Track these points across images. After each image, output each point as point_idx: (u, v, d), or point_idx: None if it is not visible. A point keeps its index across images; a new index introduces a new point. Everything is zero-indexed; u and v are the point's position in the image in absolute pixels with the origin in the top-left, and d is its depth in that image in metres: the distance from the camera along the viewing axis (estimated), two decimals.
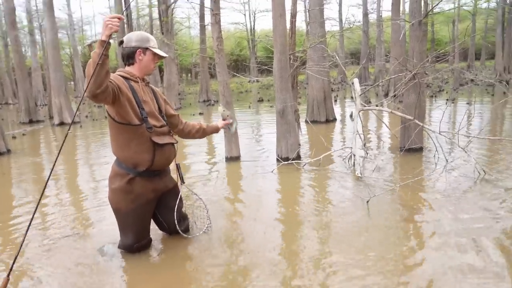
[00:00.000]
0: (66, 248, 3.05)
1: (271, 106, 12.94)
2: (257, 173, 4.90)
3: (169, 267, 2.71)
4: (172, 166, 2.98)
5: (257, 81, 27.60)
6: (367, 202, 3.66)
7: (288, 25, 5.60)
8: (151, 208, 2.88)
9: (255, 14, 34.48)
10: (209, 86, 18.23)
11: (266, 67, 6.89)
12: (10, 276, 2.22)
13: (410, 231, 3.06)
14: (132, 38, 2.71)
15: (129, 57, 2.72)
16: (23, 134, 10.04)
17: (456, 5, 24.15)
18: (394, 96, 8.53)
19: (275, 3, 4.83)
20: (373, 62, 23.28)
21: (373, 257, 2.63)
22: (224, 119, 3.17)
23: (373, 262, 2.57)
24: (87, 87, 2.26)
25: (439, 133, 4.68)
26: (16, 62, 12.52)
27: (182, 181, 3.06)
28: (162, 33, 13.44)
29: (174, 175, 3.04)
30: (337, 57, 5.66)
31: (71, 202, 4.26)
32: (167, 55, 2.79)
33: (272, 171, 4.93)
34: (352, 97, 14.11)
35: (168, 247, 2.98)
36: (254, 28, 33.73)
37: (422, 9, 5.59)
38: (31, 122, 12.67)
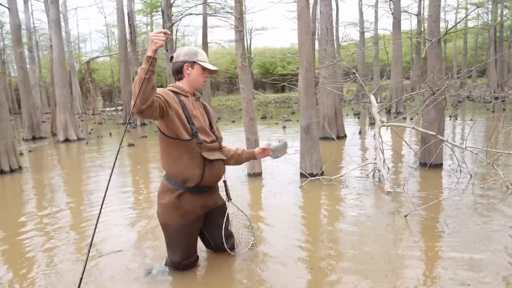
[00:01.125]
0: (114, 264, 2.99)
1: (276, 123, 12.99)
2: (284, 189, 4.89)
3: (216, 284, 2.67)
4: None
5: (254, 98, 27.78)
6: (405, 216, 3.66)
7: None
8: (200, 224, 2.85)
9: (251, 32, 34.81)
10: (210, 102, 18.28)
11: (285, 83, 6.94)
12: None
13: (456, 244, 3.06)
14: (181, 53, 2.71)
15: (178, 72, 2.72)
16: (30, 151, 9.93)
17: (477, 23, 24.80)
18: (409, 115, 8.58)
19: (302, 22, 4.90)
20: (370, 80, 23.57)
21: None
22: (272, 150, 2.94)
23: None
24: (134, 103, 2.24)
25: (465, 149, 4.74)
26: (20, 79, 12.45)
27: (229, 198, 3.03)
28: (167, 50, 13.51)
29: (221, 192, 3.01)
30: (357, 74, 5.73)
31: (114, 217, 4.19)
32: (216, 69, 2.79)
33: (299, 187, 4.92)
34: (354, 114, 14.33)
35: (213, 264, 2.94)
36: (250, 46, 34.06)
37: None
38: (34, 138, 12.55)
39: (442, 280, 2.54)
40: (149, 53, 2.25)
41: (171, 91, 2.64)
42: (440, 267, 2.71)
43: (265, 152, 2.98)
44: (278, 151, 2.95)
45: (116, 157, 2.46)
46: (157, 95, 2.38)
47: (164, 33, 2.26)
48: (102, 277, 2.84)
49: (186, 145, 2.59)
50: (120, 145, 2.51)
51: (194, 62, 2.69)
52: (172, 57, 2.76)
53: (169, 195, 2.68)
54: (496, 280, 2.49)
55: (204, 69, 2.72)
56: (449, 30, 5.55)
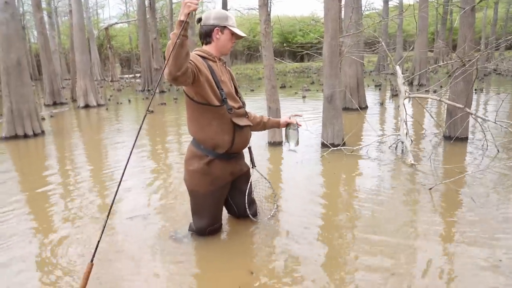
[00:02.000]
0: (137, 227, 3.04)
1: (295, 93, 12.82)
2: (305, 158, 4.85)
3: (238, 252, 2.69)
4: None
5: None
6: (430, 189, 3.60)
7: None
8: (226, 191, 2.85)
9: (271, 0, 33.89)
10: None
11: (308, 51, 6.75)
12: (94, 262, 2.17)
13: (477, 218, 3.00)
14: (210, 16, 2.62)
15: (206, 36, 2.64)
16: (51, 116, 10.08)
17: None
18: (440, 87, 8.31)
19: None
20: (393, 51, 22.90)
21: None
22: (286, 135, 3.03)
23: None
24: (169, 70, 2.18)
25: (495, 122, 4.58)
26: (41, 44, 12.47)
27: (253, 165, 3.02)
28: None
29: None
30: (383, 44, 5.54)
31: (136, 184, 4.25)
32: (245, 35, 2.71)
33: (321, 157, 4.88)
34: (375, 85, 14.01)
35: (236, 230, 2.96)
36: (269, 14, 33.27)
37: None
38: (55, 104, 12.71)
39: (460, 257, 2.50)
40: (181, 17, 2.15)
41: (199, 55, 2.58)
42: (460, 243, 2.67)
43: (290, 123, 3.01)
44: (293, 137, 2.98)
45: (142, 122, 2.44)
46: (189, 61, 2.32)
47: None
48: (125, 240, 2.89)
49: (216, 111, 2.55)
50: (148, 110, 2.47)
51: (225, 27, 2.61)
52: (200, 19, 2.67)
53: (197, 161, 2.66)
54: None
55: (233, 34, 2.65)
56: None
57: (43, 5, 21.14)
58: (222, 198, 2.86)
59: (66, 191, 4.06)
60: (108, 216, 2.21)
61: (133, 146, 2.32)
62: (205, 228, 2.81)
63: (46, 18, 19.75)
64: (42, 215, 3.46)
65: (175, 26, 2.20)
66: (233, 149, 2.69)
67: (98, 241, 2.17)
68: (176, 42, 2.11)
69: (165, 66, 2.18)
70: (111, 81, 23.72)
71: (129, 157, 2.30)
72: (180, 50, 2.14)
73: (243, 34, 2.68)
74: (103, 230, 2.20)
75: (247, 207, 2.93)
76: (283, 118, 3.07)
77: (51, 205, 3.69)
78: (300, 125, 3.03)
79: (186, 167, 2.74)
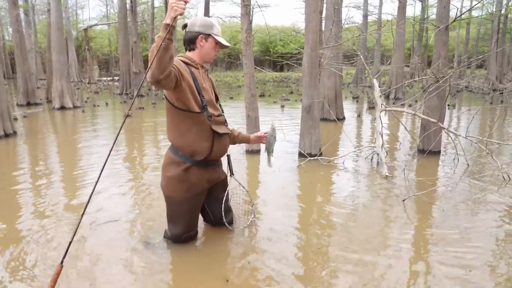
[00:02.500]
0: (110, 233, 2.99)
1: (274, 102, 12.91)
2: (282, 168, 4.88)
3: (213, 259, 2.68)
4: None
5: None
6: (403, 201, 3.69)
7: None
8: (203, 198, 2.84)
9: (253, 8, 34.20)
10: None
11: (288, 61, 6.85)
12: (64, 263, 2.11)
13: (451, 235, 3.10)
14: (196, 23, 2.63)
15: (190, 42, 2.65)
16: (24, 116, 9.79)
17: (484, 13, 24.62)
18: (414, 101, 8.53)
19: None
20: (370, 64, 23.42)
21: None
22: (265, 133, 2.98)
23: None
24: (151, 72, 2.18)
25: (465, 137, 4.75)
26: (16, 42, 12.12)
27: (232, 173, 3.02)
28: None
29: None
30: (361, 57, 5.67)
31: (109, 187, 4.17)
32: (229, 45, 2.72)
33: (298, 166, 4.93)
34: (353, 97, 14.27)
35: (211, 238, 2.95)
36: (251, 23, 33.53)
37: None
38: (28, 104, 12.36)
39: (435, 265, 2.57)
40: (167, 21, 2.15)
41: (182, 61, 2.58)
42: (434, 252, 2.74)
43: (260, 139, 3.03)
44: (270, 140, 2.92)
45: (122, 125, 2.40)
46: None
47: (185, 1, 2.15)
48: (98, 245, 2.83)
49: (196, 118, 2.55)
50: (129, 111, 2.44)
51: (209, 35, 2.62)
52: (185, 25, 2.67)
53: (175, 167, 2.65)
54: (484, 270, 2.52)
55: (217, 43, 2.66)
56: (458, 17, 5.47)
57: (20, 1, 20.66)
58: (199, 206, 2.85)
59: (36, 192, 3.95)
60: (82, 217, 2.15)
61: (111, 149, 2.28)
62: (181, 235, 2.78)
63: (22, 15, 19.31)
64: (8, 213, 3.35)
65: (160, 29, 2.20)
66: (211, 157, 2.69)
67: (70, 242, 2.10)
68: (161, 45, 2.11)
69: (149, 69, 2.17)
70: (88, 83, 23.26)
71: (106, 160, 2.25)
72: (165, 53, 2.14)
73: (227, 44, 2.68)
74: (75, 231, 2.13)
75: (223, 215, 2.93)
76: (253, 135, 3.06)
77: (19, 205, 3.58)
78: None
79: (163, 173, 2.72)
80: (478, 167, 4.92)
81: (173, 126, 2.63)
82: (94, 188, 2.18)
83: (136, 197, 3.83)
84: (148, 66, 2.18)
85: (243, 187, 3.19)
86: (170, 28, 2.15)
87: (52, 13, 11.34)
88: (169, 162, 2.69)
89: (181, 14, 2.16)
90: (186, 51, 2.71)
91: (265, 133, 3.00)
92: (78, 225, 2.15)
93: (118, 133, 2.31)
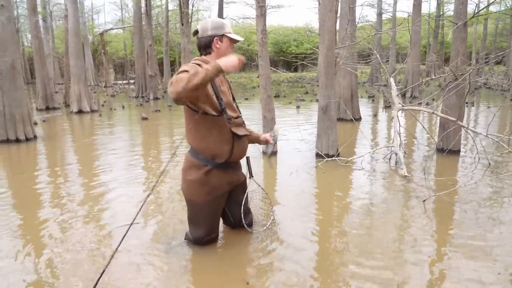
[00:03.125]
0: (130, 235, 3.02)
1: (290, 102, 12.88)
2: (300, 169, 4.87)
3: (233, 262, 2.68)
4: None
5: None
6: (424, 201, 3.63)
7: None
8: (224, 200, 2.84)
9: (266, 9, 34.14)
10: None
11: (302, 62, 6.83)
12: None
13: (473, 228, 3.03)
14: (207, 27, 2.61)
15: (206, 47, 2.64)
16: (43, 121, 9.99)
17: (503, 7, 24.13)
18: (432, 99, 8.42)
19: None
20: (386, 63, 23.18)
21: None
22: (271, 136, 3.02)
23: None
24: (172, 87, 2.15)
25: (486, 136, 4.65)
26: (35, 48, 12.42)
27: (251, 175, 3.02)
28: (182, 24, 13.36)
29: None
30: (378, 56, 5.61)
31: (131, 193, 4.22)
32: (242, 39, 2.71)
33: (315, 167, 4.90)
34: (368, 97, 14.13)
35: (231, 241, 2.95)
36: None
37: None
38: (47, 108, 12.60)
39: (454, 268, 2.52)
40: (223, 68, 2.23)
41: (198, 65, 2.58)
42: (453, 253, 2.69)
43: (268, 141, 3.03)
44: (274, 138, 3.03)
45: (169, 161, 2.43)
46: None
47: (243, 63, 2.31)
48: (119, 248, 2.86)
49: (215, 121, 2.56)
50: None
51: (223, 35, 2.62)
52: (196, 31, 2.68)
53: (196, 171, 2.65)
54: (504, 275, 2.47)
55: (231, 40, 2.67)
56: (476, 13, 5.36)
57: (38, 8, 21.08)
58: (220, 208, 2.85)
59: (57, 198, 4.02)
60: (116, 249, 2.20)
61: (160, 177, 2.31)
62: (202, 237, 2.80)
63: (40, 21, 19.71)
64: (29, 218, 3.42)
65: (212, 65, 2.21)
66: (231, 159, 2.69)
67: (102, 273, 2.17)
68: (206, 81, 2.17)
69: (175, 86, 2.15)
70: (104, 86, 23.63)
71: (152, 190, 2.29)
72: (201, 86, 2.17)
73: (240, 38, 2.67)
74: (107, 265, 2.20)
75: (242, 216, 2.93)
76: (263, 135, 3.05)
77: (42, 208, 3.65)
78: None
79: (184, 177, 2.73)
80: (500, 166, 4.81)
81: (193, 129, 2.63)
82: (145, 200, 2.21)
83: (156, 200, 3.86)
84: (174, 82, 2.16)
85: (263, 189, 3.18)
86: (219, 73, 2.23)
87: (69, 19, 11.54)
88: (189, 166, 2.70)
89: (233, 71, 2.36)
90: (201, 55, 2.70)
91: (271, 136, 3.02)
92: (111, 259, 2.19)
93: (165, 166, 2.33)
